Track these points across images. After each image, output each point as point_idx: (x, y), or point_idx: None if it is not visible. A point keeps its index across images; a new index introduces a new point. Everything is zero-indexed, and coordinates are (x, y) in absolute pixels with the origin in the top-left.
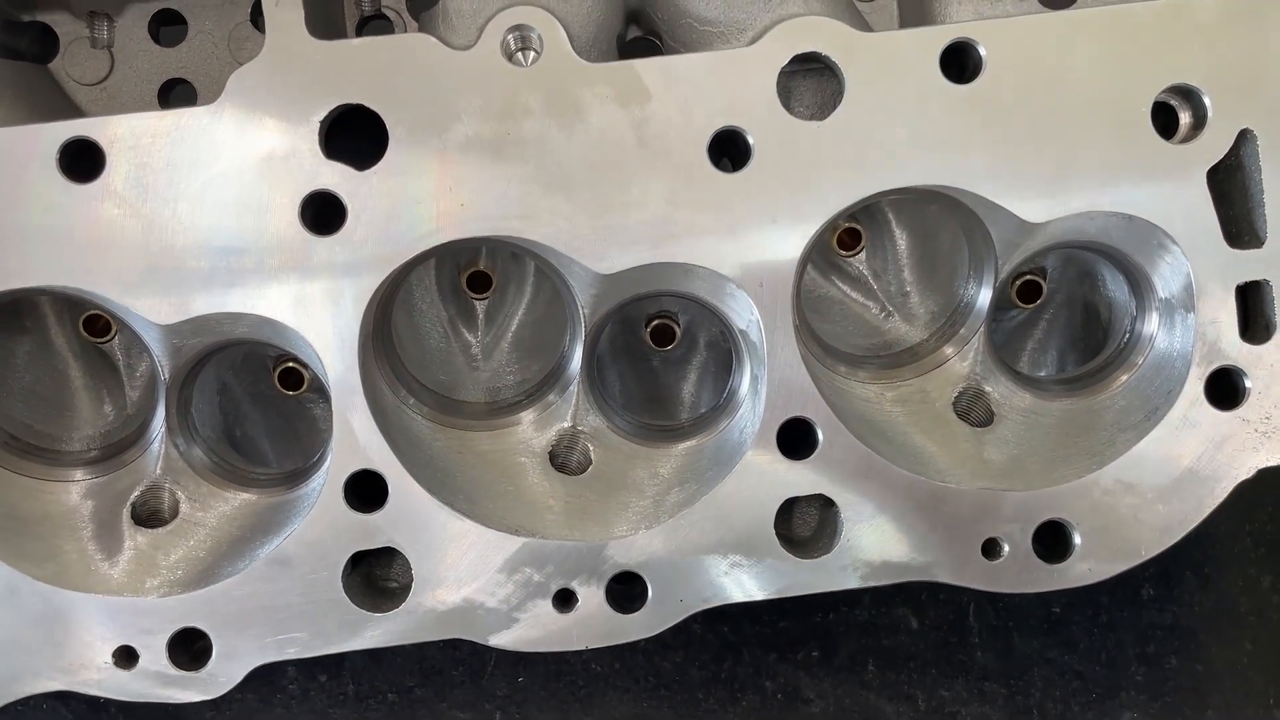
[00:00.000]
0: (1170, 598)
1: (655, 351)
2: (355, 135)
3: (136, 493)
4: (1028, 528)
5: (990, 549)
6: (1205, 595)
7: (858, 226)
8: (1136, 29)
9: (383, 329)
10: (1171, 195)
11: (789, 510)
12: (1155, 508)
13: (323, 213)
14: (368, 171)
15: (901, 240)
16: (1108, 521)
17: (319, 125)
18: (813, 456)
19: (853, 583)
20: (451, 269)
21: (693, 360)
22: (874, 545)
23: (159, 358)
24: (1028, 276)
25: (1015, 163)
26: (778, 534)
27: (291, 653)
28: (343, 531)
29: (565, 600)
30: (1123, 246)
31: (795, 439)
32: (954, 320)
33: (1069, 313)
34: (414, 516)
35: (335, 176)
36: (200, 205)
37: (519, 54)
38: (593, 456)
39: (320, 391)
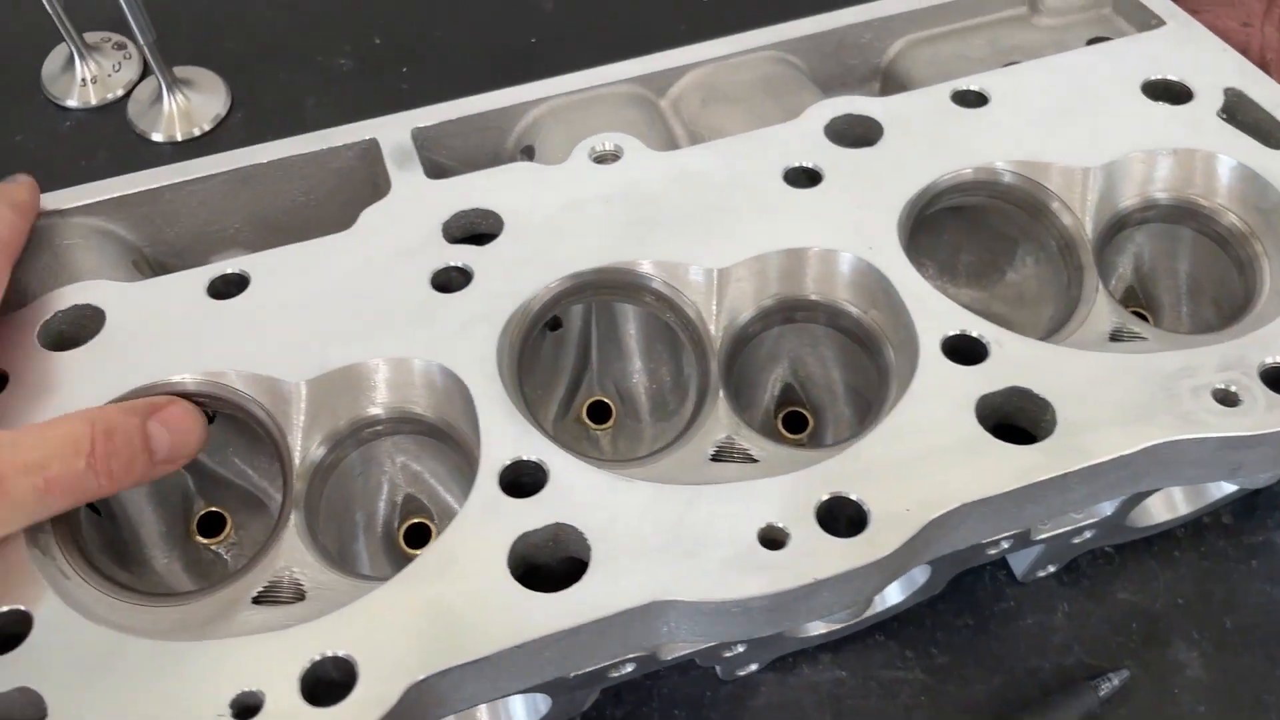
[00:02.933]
0: None
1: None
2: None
3: (259, 589)
4: (1250, 370)
5: (1225, 398)
6: None
7: None
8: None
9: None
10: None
11: (988, 405)
12: None
13: (450, 281)
14: (488, 246)
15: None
16: None
17: (441, 226)
18: (988, 360)
19: (1098, 456)
20: (564, 411)
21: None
22: (1095, 420)
23: (294, 446)
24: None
25: (1047, 137)
26: (984, 427)
27: (457, 659)
28: (505, 520)
29: (774, 539)
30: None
31: (964, 351)
32: (1070, 289)
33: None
34: (579, 493)
35: (460, 255)
36: (332, 298)
37: (606, 157)
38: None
39: None
